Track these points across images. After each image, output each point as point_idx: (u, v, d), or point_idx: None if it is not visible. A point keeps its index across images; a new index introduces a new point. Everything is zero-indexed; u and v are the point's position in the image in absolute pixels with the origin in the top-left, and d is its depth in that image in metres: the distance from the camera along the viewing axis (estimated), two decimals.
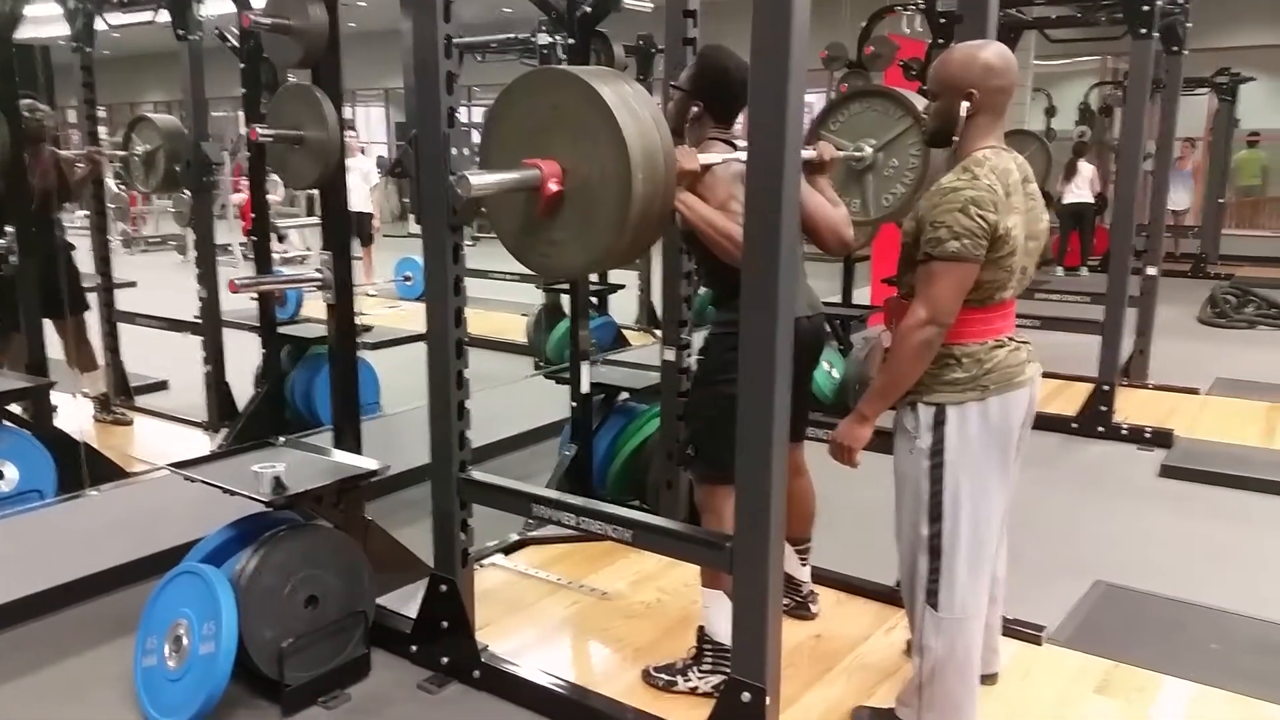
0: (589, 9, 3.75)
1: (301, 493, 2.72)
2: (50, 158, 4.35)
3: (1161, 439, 4.94)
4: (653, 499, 3.60)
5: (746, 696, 2.20)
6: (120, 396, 5.09)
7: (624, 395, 3.95)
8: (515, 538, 3.56)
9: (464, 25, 2.60)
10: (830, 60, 6.78)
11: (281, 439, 3.17)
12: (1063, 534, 3.89)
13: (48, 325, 4.25)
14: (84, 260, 4.95)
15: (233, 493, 2.70)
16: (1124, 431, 5.05)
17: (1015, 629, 2.87)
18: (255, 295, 4.27)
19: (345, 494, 2.92)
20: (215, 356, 4.51)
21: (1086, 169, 10.60)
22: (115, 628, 3.04)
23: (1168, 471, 4.57)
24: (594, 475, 3.89)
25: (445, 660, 2.79)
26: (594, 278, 6.04)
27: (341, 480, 2.86)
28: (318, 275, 3.11)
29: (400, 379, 4.85)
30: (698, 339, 3.37)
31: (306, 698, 2.65)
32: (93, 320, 4.99)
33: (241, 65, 4.12)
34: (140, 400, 5.26)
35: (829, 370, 5.25)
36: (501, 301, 7.64)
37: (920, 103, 2.89)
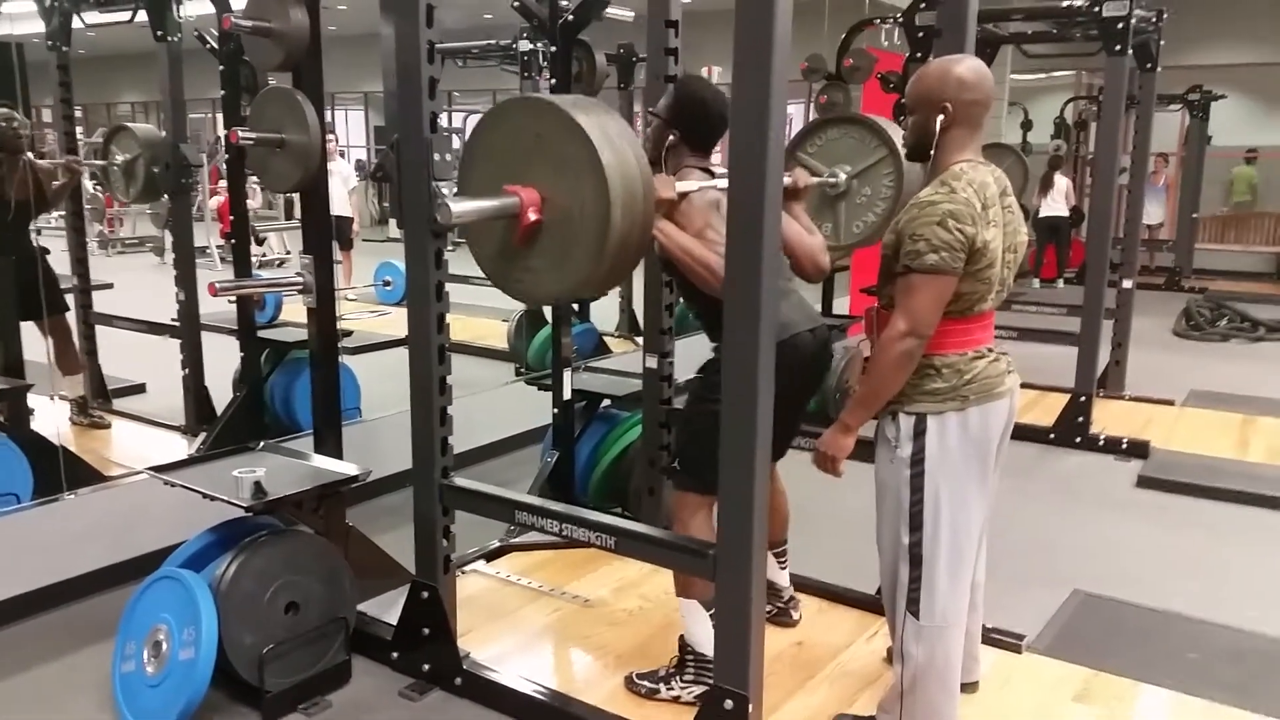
0: (571, 17, 3.76)
1: (282, 498, 2.70)
2: (27, 168, 4.30)
3: (1138, 450, 4.99)
4: (635, 506, 3.60)
5: (729, 704, 2.20)
6: (98, 399, 5.04)
7: (606, 402, 3.95)
8: (497, 544, 3.55)
9: (445, 31, 2.60)
10: (810, 72, 6.82)
11: (261, 443, 3.15)
12: (1041, 544, 3.92)
13: (28, 328, 4.21)
14: (60, 261, 4.89)
15: (213, 498, 2.68)
16: (1101, 442, 5.10)
17: (995, 637, 2.89)
18: (234, 298, 4.24)
19: (326, 499, 2.91)
20: (194, 360, 4.48)
21: (1062, 182, 10.71)
22: (93, 633, 3.01)
23: (1144, 482, 4.62)
24: (576, 482, 3.88)
25: (427, 667, 2.78)
26: None
27: (322, 486, 2.85)
28: (299, 279, 3.10)
29: (381, 384, 4.82)
30: (679, 346, 3.39)
31: (287, 704, 2.63)
32: (70, 322, 4.94)
33: (221, 67, 4.09)
34: (118, 403, 5.20)
35: None
36: (483, 307, 7.58)
37: (897, 133, 2.91)
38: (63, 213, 5.01)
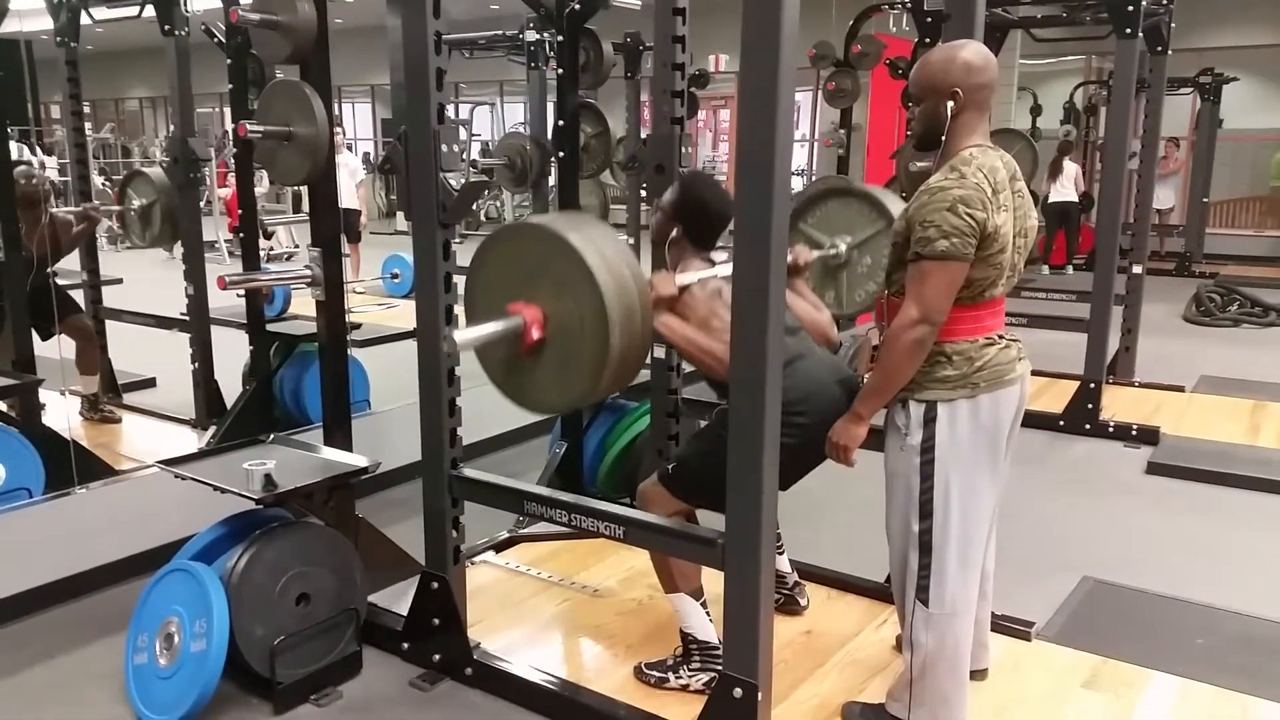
0: (577, 6, 3.75)
1: (292, 490, 2.71)
2: (48, 222, 4.32)
3: (1148, 436, 4.97)
4: None
5: (738, 692, 2.20)
6: (108, 394, 5.06)
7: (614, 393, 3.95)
8: (506, 535, 3.56)
9: (452, 22, 2.60)
10: (818, 59, 6.81)
11: (271, 436, 3.16)
12: (1050, 530, 3.92)
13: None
14: (70, 258, 4.91)
15: (223, 490, 2.69)
16: (1110, 429, 5.08)
17: (1004, 625, 2.89)
18: (243, 292, 4.25)
19: (336, 491, 2.92)
20: (203, 354, 4.50)
21: (1071, 168, 10.66)
22: (106, 626, 3.03)
23: (1154, 468, 4.60)
24: (584, 472, 3.89)
25: (437, 658, 2.79)
26: None
27: (332, 478, 2.86)
28: (307, 272, 3.11)
29: (389, 376, 4.84)
30: None
31: (298, 695, 2.64)
32: (88, 324, 4.96)
33: (228, 61, 4.09)
34: (128, 398, 5.24)
35: None
36: None
37: (895, 203, 2.93)
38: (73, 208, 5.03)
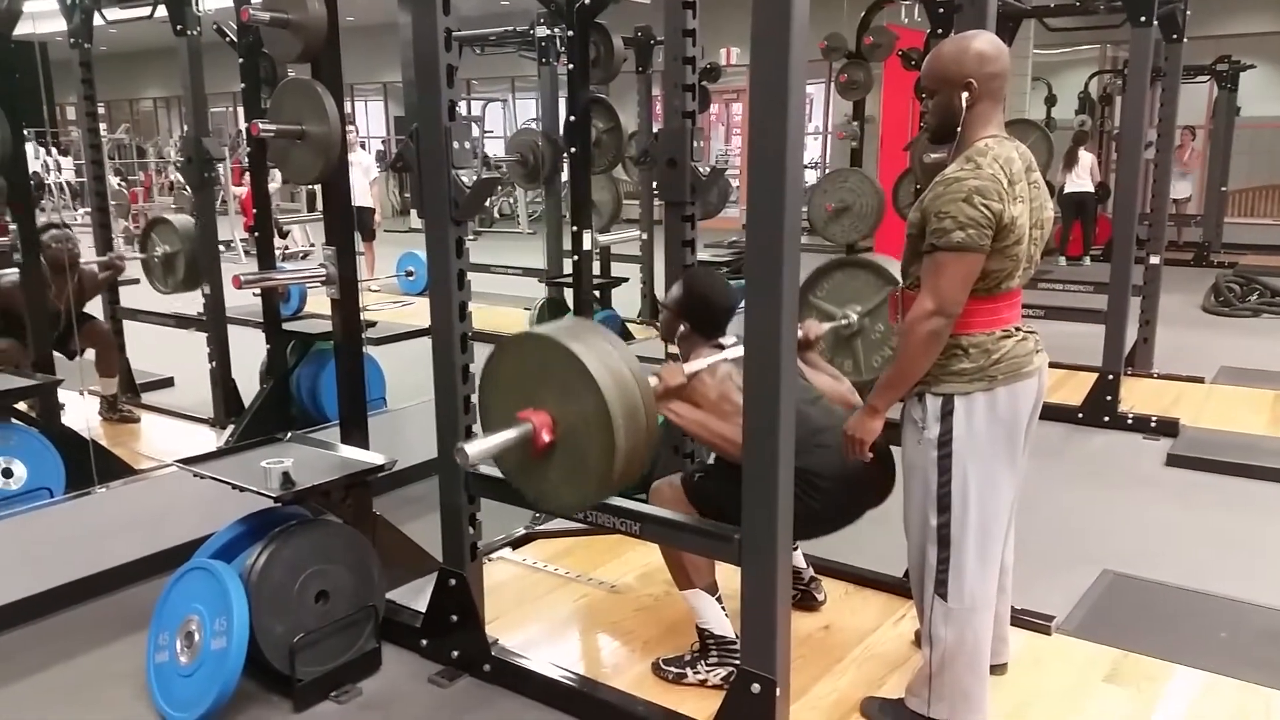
0: (587, 1, 3.74)
1: (310, 488, 2.72)
2: (75, 280, 4.41)
3: (1167, 428, 4.94)
4: None
5: (756, 688, 2.20)
6: (127, 394, 5.10)
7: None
8: (523, 531, 3.57)
9: (462, 18, 2.59)
10: (830, 51, 6.77)
11: (288, 434, 3.17)
12: (1070, 524, 3.89)
13: None
14: (87, 256, 4.94)
15: (242, 488, 2.70)
16: (1129, 421, 5.05)
17: (1024, 619, 2.88)
18: (259, 291, 4.27)
19: (353, 489, 2.93)
20: (220, 353, 4.52)
21: (1087, 158, 10.58)
22: (127, 624, 3.05)
23: (1174, 460, 4.57)
24: None
25: (455, 654, 2.80)
26: (596, 270, 6.05)
27: (349, 475, 2.87)
28: (322, 270, 3.11)
29: (405, 374, 4.86)
30: None
31: (318, 692, 2.65)
32: (107, 329, 5.00)
33: (240, 60, 4.11)
34: (146, 397, 5.28)
35: None
36: (505, 296, 7.66)
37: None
38: (89, 209, 5.06)
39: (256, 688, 2.66)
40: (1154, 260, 5.94)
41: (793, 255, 2.03)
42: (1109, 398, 5.10)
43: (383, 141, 20.66)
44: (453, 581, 2.78)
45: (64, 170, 12.67)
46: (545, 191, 6.89)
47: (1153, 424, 4.98)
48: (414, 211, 2.64)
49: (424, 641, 2.86)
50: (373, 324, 4.39)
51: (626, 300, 6.97)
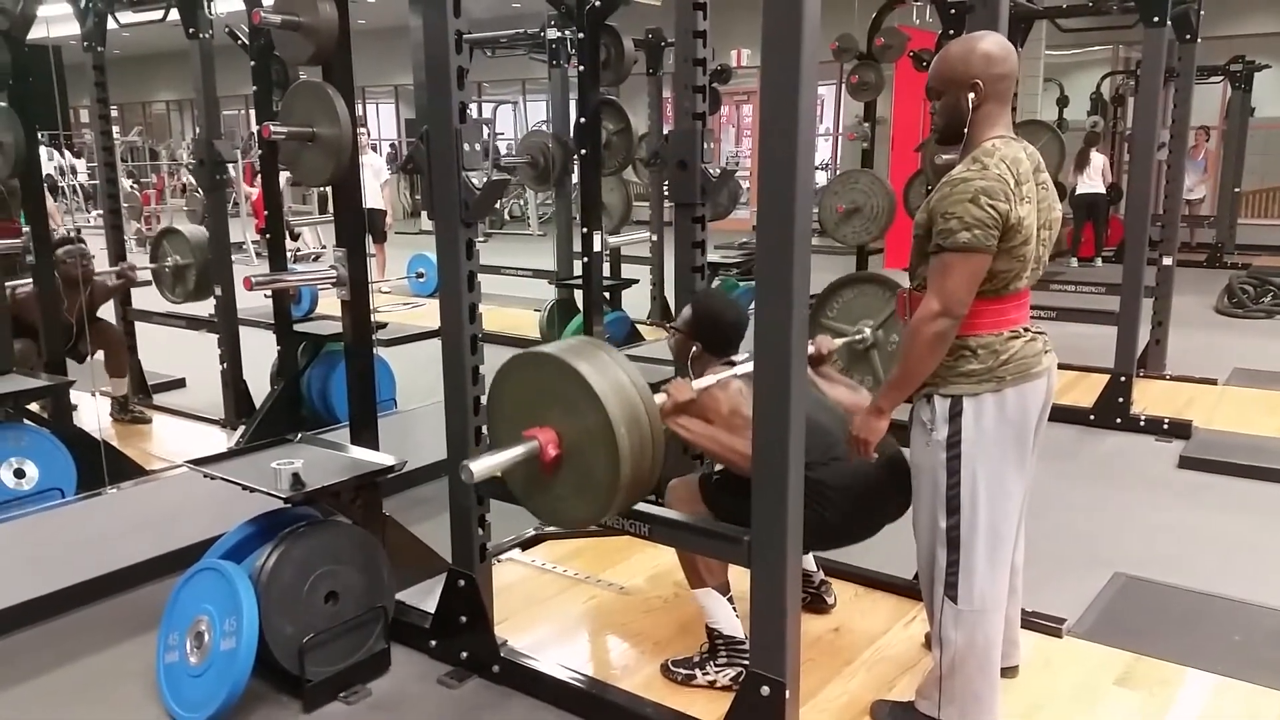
0: (598, 3, 3.76)
1: (320, 489, 2.73)
2: (88, 294, 4.43)
3: (1180, 430, 4.91)
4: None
5: (766, 690, 2.20)
6: (138, 395, 5.12)
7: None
8: (532, 532, 3.57)
9: (473, 21, 2.60)
10: (841, 52, 6.76)
11: (299, 435, 3.18)
12: (1081, 526, 3.87)
13: None
14: (99, 259, 4.97)
15: (252, 489, 2.71)
16: (1142, 423, 5.02)
17: (1035, 621, 2.86)
18: (270, 293, 4.29)
19: (363, 490, 2.94)
20: (232, 354, 4.54)
21: (1099, 159, 10.54)
22: (137, 624, 3.06)
23: (1186, 463, 4.54)
24: None
25: (465, 655, 2.80)
26: (606, 271, 6.05)
27: (359, 476, 2.87)
28: (333, 272, 3.12)
29: (415, 375, 4.87)
30: None
31: (327, 693, 2.66)
32: (109, 319, 5.02)
33: (252, 63, 4.12)
34: (158, 398, 5.30)
35: None
36: (515, 297, 7.66)
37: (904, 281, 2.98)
38: (101, 211, 5.09)
39: (266, 688, 2.67)
40: (1167, 261, 5.91)
41: (803, 257, 2.03)
42: (1121, 399, 5.08)
43: (391, 145, 20.71)
44: (462, 582, 2.79)
45: (78, 173, 12.76)
46: (555, 193, 6.89)
47: (1165, 426, 4.96)
48: (424, 213, 2.64)
49: (433, 642, 2.87)
50: (383, 325, 4.40)
51: (636, 302, 6.96)
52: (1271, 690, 2.62)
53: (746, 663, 2.31)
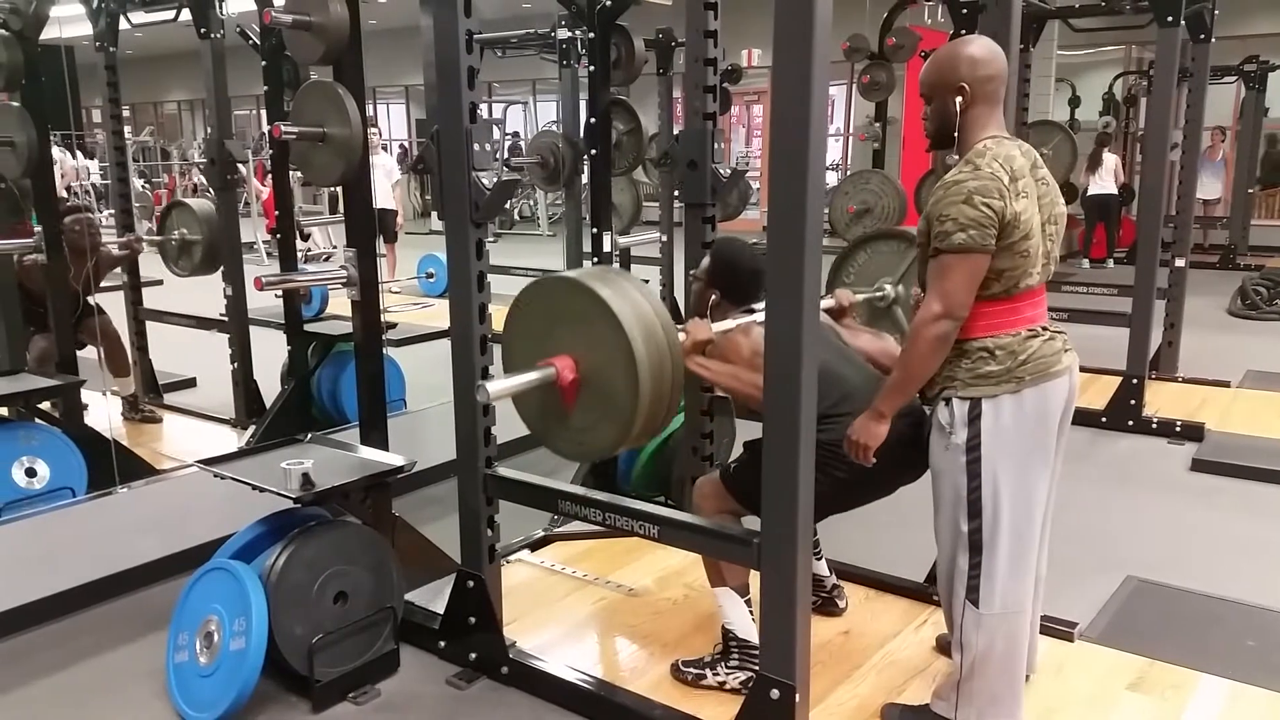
0: (608, 3, 3.74)
1: (329, 489, 2.73)
2: (94, 263, 4.41)
3: (1192, 432, 4.88)
4: (678, 494, 3.59)
5: (775, 693, 2.18)
6: (149, 394, 5.14)
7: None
8: (541, 534, 3.56)
9: (484, 21, 2.60)
10: (852, 52, 6.74)
11: (309, 435, 3.18)
12: (1093, 529, 3.85)
13: None
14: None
15: (262, 489, 2.71)
16: (1154, 425, 4.99)
17: (1047, 625, 2.83)
18: (280, 293, 4.29)
19: (372, 490, 2.93)
20: (242, 354, 4.55)
21: (1111, 160, 10.49)
22: (147, 624, 3.07)
23: (1199, 465, 4.51)
24: (619, 471, 3.88)
25: (473, 656, 2.80)
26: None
27: (369, 477, 2.87)
28: (343, 272, 3.12)
29: (425, 376, 4.87)
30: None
31: (336, 693, 2.66)
32: (120, 319, 5.03)
33: (263, 63, 4.13)
34: (169, 398, 5.31)
35: None
36: None
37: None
38: (113, 211, 5.11)
39: (275, 688, 2.67)
40: (1179, 263, 5.87)
41: (814, 258, 2.02)
42: (1133, 402, 5.05)
43: (401, 145, 20.75)
44: (471, 583, 2.78)
45: (91, 175, 12.81)
46: (565, 193, 6.87)
47: (1177, 428, 4.93)
48: (434, 213, 2.64)
49: (442, 643, 2.86)
50: (393, 325, 4.41)
51: None
52: None
53: (758, 668, 2.29)
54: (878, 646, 2.83)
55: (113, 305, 4.96)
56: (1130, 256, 8.86)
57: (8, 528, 3.17)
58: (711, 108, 3.16)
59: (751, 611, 2.57)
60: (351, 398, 3.95)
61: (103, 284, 4.80)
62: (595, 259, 5.26)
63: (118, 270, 5.03)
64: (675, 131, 4.34)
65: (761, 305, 2.61)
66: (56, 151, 5.24)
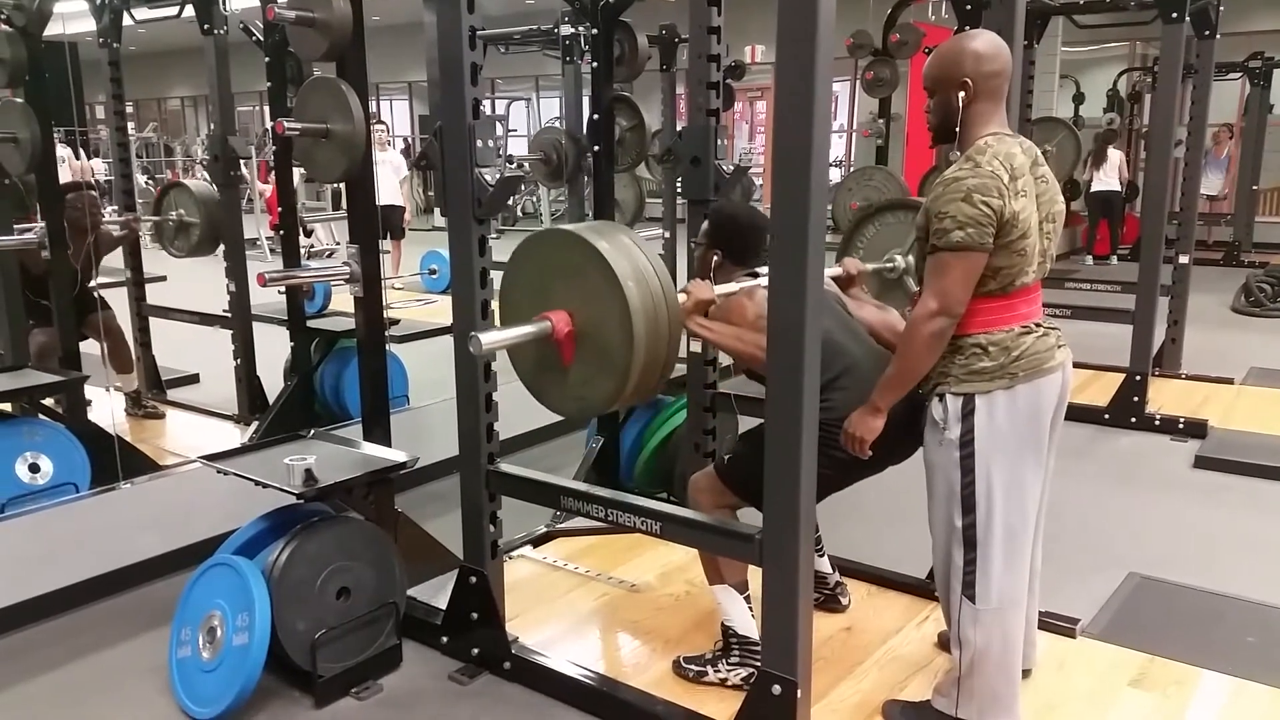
0: None
1: (332, 485, 2.73)
2: (94, 241, 4.40)
3: (1195, 429, 4.87)
4: (680, 491, 3.58)
5: (777, 689, 2.19)
6: (152, 390, 5.14)
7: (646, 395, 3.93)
8: (543, 529, 3.57)
9: (487, 17, 2.59)
10: (856, 48, 6.74)
11: (311, 431, 3.19)
12: (1095, 526, 3.85)
13: None
14: (114, 255, 5.00)
15: (265, 485, 2.71)
16: (1157, 422, 4.99)
17: (1048, 622, 2.84)
18: (283, 289, 4.29)
19: (375, 486, 2.94)
20: (245, 350, 4.55)
21: (1115, 156, 10.47)
22: (150, 619, 3.07)
23: (1202, 462, 4.51)
24: (621, 467, 3.89)
25: (476, 651, 2.80)
26: None
27: (371, 472, 2.88)
28: (345, 269, 3.12)
29: (428, 372, 4.87)
30: None
31: (339, 689, 2.66)
32: (124, 314, 5.04)
33: (266, 59, 4.13)
34: (172, 394, 5.32)
35: None
36: None
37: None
38: (116, 206, 5.11)
39: (278, 683, 2.68)
40: (1183, 260, 5.86)
41: (817, 255, 2.02)
42: (1136, 399, 5.04)
43: (405, 141, 20.73)
44: (473, 579, 2.79)
45: (97, 175, 12.80)
46: (568, 190, 6.87)
47: (1180, 425, 4.92)
48: (437, 209, 2.65)
49: (444, 639, 2.87)
50: (396, 322, 4.41)
51: None
52: None
53: (759, 663, 2.30)
54: (880, 643, 2.84)
55: (116, 301, 4.97)
56: (1134, 253, 8.84)
57: (11, 523, 3.18)
58: (714, 104, 3.16)
59: (751, 609, 2.57)
60: (354, 394, 3.96)
61: (106, 280, 4.80)
62: None
63: (121, 268, 5.03)
64: (678, 128, 4.33)
65: (765, 270, 2.61)
66: (63, 150, 5.21)
